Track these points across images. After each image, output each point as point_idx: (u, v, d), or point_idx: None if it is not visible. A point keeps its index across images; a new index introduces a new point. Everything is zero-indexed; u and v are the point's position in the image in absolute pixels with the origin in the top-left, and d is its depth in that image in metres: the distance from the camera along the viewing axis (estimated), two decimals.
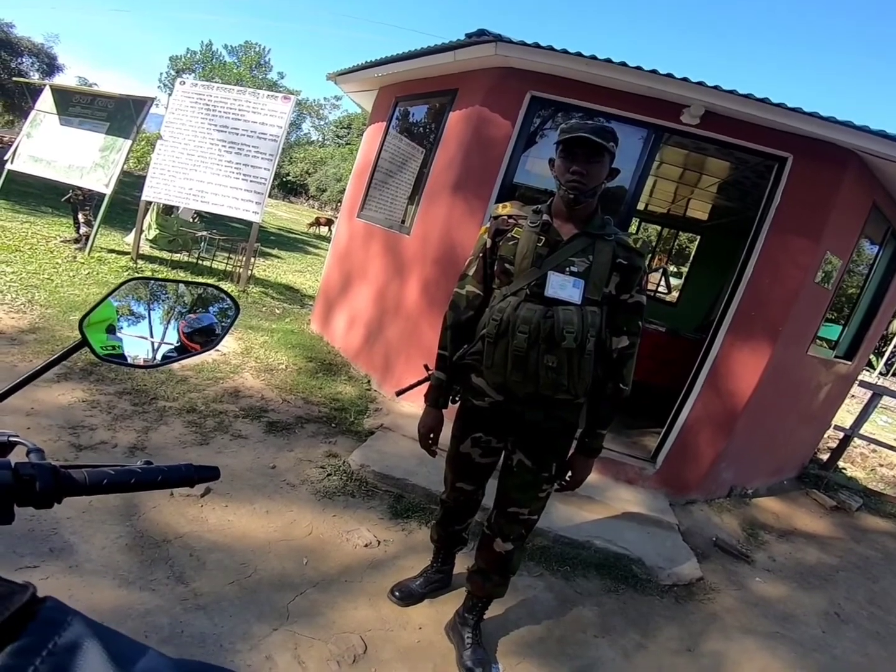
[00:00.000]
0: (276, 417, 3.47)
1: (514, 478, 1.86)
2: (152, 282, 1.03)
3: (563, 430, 1.82)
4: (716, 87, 3.15)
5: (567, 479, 1.87)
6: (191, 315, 1.00)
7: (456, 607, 2.14)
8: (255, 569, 2.19)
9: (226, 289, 1.05)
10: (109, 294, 0.88)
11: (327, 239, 17.66)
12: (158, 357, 0.96)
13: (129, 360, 0.94)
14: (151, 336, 0.96)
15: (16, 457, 0.60)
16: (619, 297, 1.70)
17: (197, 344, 0.98)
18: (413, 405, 3.63)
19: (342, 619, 2.06)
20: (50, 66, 26.77)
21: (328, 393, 4.00)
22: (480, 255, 1.79)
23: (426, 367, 1.93)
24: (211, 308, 1.04)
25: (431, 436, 1.90)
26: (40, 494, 0.57)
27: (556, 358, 1.60)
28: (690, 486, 3.76)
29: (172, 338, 0.97)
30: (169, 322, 0.98)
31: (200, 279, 6.32)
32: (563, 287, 1.63)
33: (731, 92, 3.15)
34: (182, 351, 0.97)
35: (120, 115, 6.77)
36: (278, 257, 11.34)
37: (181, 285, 1.07)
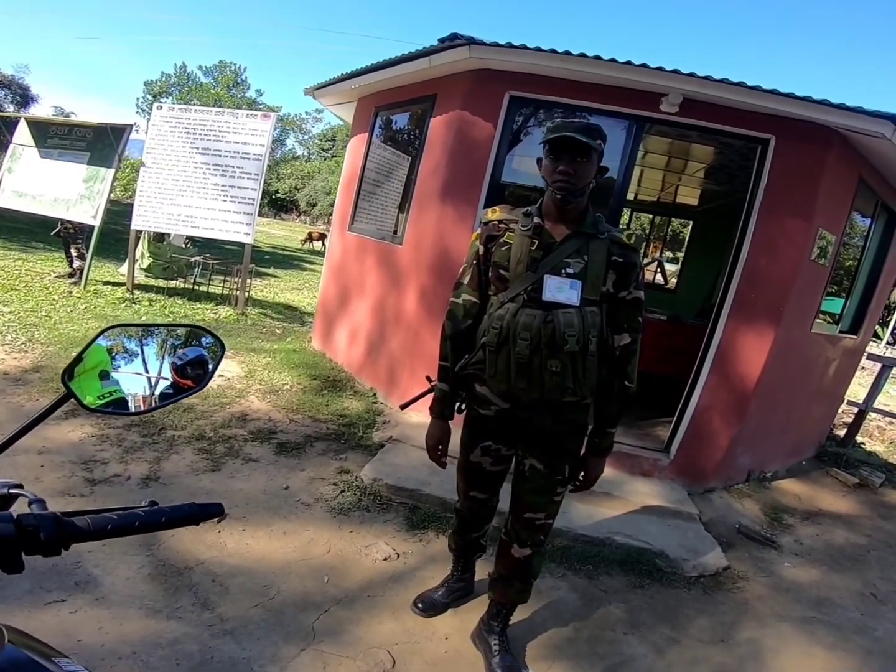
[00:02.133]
0: (285, 438, 3.46)
1: (528, 483, 1.84)
2: (132, 328, 1.02)
3: (573, 432, 1.80)
4: (691, 74, 3.16)
5: (580, 479, 1.86)
6: (180, 351, 1.00)
7: (480, 614, 2.13)
8: (277, 590, 2.19)
9: (210, 317, 1.05)
10: (89, 344, 0.88)
11: (321, 254, 17.68)
12: (156, 398, 0.96)
13: (129, 402, 0.93)
14: (147, 372, 0.96)
15: (18, 508, 0.61)
16: (618, 295, 1.69)
17: (189, 380, 0.97)
18: (421, 415, 3.63)
19: (368, 634, 2.05)
20: (24, 97, 26.83)
21: (335, 409, 4.00)
22: (474, 262, 1.77)
23: (428, 379, 1.92)
24: (197, 344, 1.03)
25: (440, 447, 1.89)
26: (45, 543, 0.60)
27: (560, 362, 1.59)
28: (707, 474, 3.74)
29: (167, 376, 0.97)
30: (160, 362, 0.98)
31: (179, 308, 6.33)
32: (561, 289, 1.62)
33: (706, 78, 3.15)
34: (177, 389, 0.97)
35: (100, 143, 6.75)
36: (274, 276, 11.35)
37: (163, 329, 1.06)
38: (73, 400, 0.83)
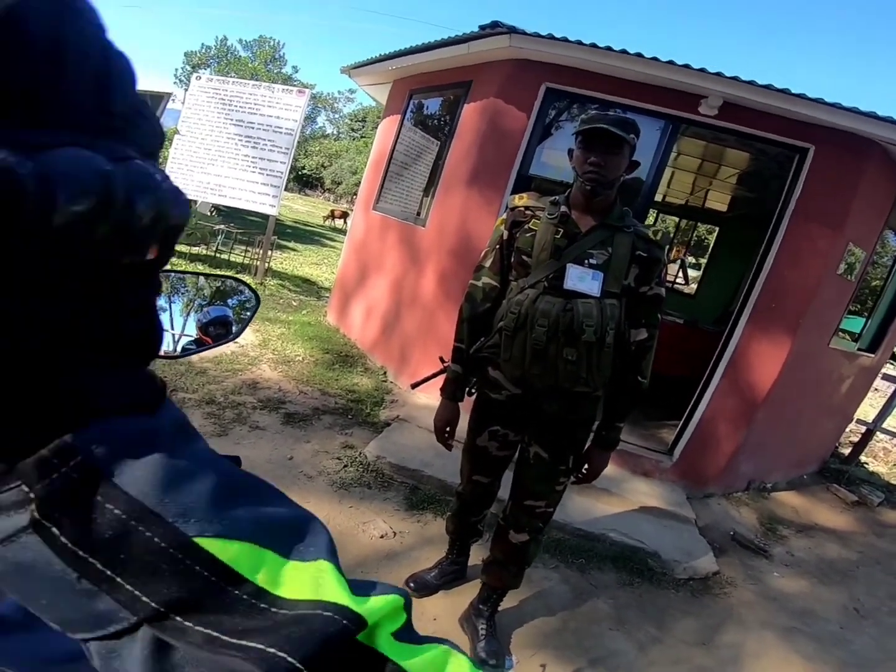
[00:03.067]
0: (293, 409, 3.51)
1: (531, 470, 1.85)
2: (172, 274, 1.03)
3: (581, 423, 1.81)
4: (734, 78, 3.11)
5: (584, 471, 1.87)
6: (204, 309, 1.01)
7: (471, 599, 2.15)
8: None
9: (246, 281, 1.06)
10: None
11: (343, 231, 17.72)
12: (178, 349, 0.97)
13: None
14: (172, 328, 0.97)
15: None
16: (639, 290, 1.68)
17: (210, 336, 0.98)
18: (429, 397, 3.66)
19: None
20: None
21: (345, 384, 4.03)
22: (497, 246, 1.77)
23: (441, 360, 1.92)
24: (231, 300, 1.04)
25: (448, 429, 1.89)
26: None
27: (576, 351, 1.60)
28: (708, 480, 3.74)
29: (192, 330, 0.98)
30: (188, 314, 0.99)
31: (219, 272, 6.40)
32: (583, 279, 1.62)
33: (749, 82, 3.10)
34: (199, 343, 0.97)
35: None
36: (295, 250, 11.41)
37: (201, 277, 1.07)
38: None
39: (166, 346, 0.97)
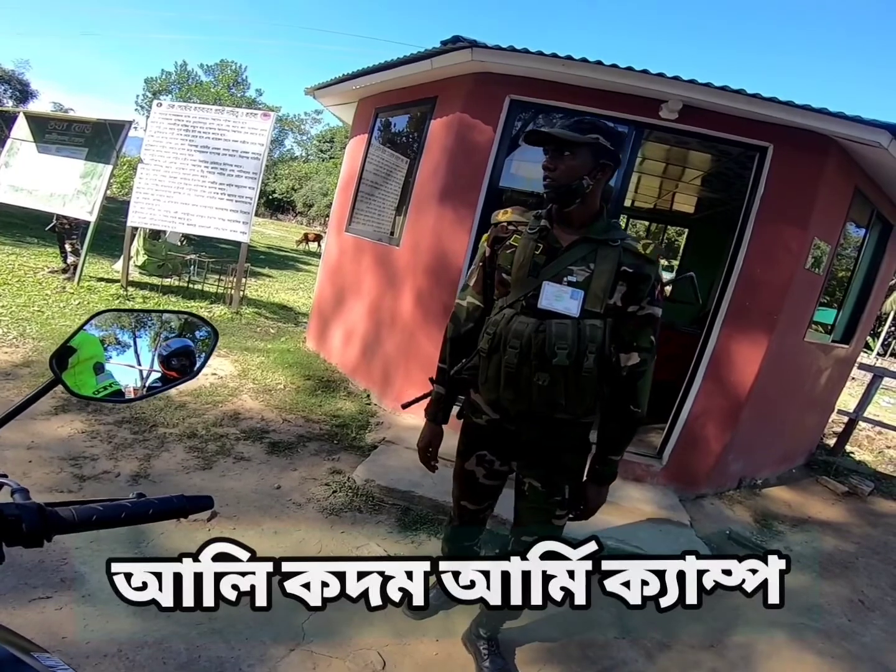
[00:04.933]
0: (277, 438, 3.45)
1: (526, 502, 1.76)
2: (128, 313, 1.01)
3: (570, 448, 1.69)
4: (691, 81, 3.18)
5: (581, 507, 1.78)
6: (165, 342, 0.98)
7: (472, 617, 2.10)
8: None
9: (205, 315, 1.03)
10: (79, 329, 0.87)
11: (317, 255, 17.65)
12: (145, 388, 0.95)
13: (124, 393, 0.92)
14: (140, 365, 0.95)
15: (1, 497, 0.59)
16: (627, 309, 1.54)
17: (174, 371, 0.96)
18: (415, 418, 3.61)
19: (358, 635, 2.03)
20: (23, 92, 26.82)
21: (328, 410, 3.98)
22: (480, 264, 1.70)
23: (431, 381, 1.85)
24: (189, 336, 1.01)
25: (430, 450, 1.83)
26: (28, 534, 0.58)
27: (549, 375, 1.50)
28: (699, 481, 3.76)
29: (156, 367, 0.96)
30: (153, 352, 0.97)
31: (173, 307, 6.29)
32: (560, 298, 1.51)
33: (706, 85, 3.17)
34: (165, 380, 0.95)
35: (98, 139, 6.73)
36: (269, 276, 11.32)
37: (154, 314, 1.05)
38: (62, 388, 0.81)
39: (135, 383, 0.94)
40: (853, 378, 8.36)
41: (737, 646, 2.43)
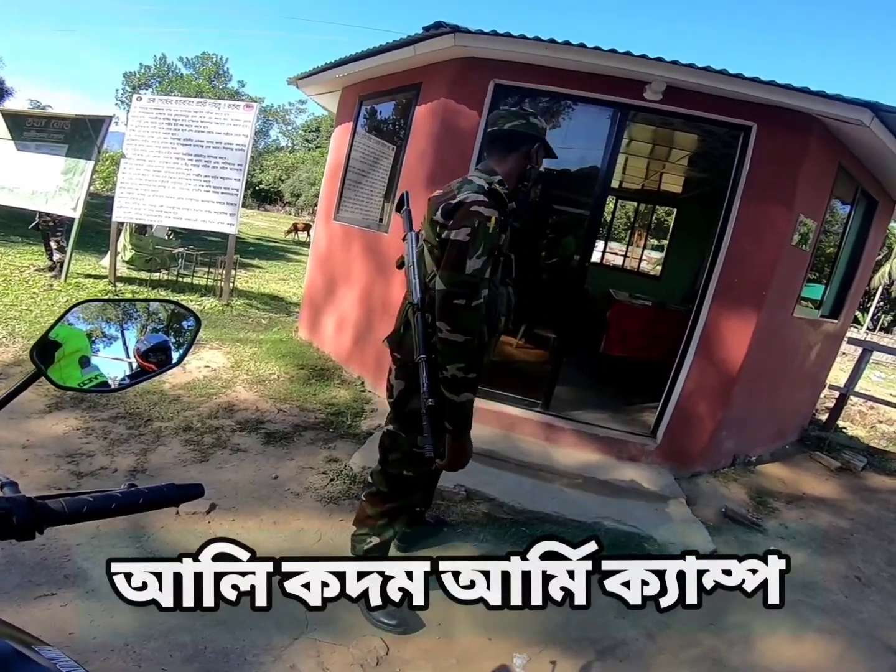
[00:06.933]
0: (273, 428, 3.45)
1: None
2: (109, 303, 1.00)
3: None
4: (674, 62, 3.17)
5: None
6: (143, 337, 0.98)
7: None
8: None
9: (195, 308, 1.03)
10: (60, 318, 0.86)
11: (307, 244, 17.53)
12: (125, 379, 0.94)
13: (109, 384, 0.91)
14: (127, 357, 0.94)
15: None
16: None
17: (152, 364, 0.95)
18: None
19: (361, 622, 2.04)
20: None
21: (323, 398, 3.99)
22: (495, 252, 1.71)
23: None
24: (175, 325, 1.02)
25: None
26: (18, 527, 0.58)
27: None
28: (694, 459, 3.79)
29: (135, 360, 0.96)
30: (134, 345, 0.96)
31: (155, 295, 6.25)
32: None
33: (689, 65, 3.17)
34: (140, 372, 0.95)
35: (78, 136, 6.61)
36: (259, 267, 11.25)
37: (137, 303, 1.05)
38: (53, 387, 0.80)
39: (121, 375, 0.94)
40: (843, 353, 8.43)
41: (735, 625, 2.44)
